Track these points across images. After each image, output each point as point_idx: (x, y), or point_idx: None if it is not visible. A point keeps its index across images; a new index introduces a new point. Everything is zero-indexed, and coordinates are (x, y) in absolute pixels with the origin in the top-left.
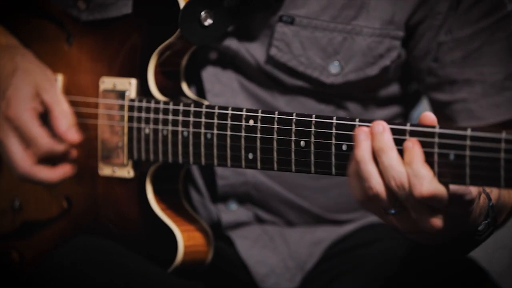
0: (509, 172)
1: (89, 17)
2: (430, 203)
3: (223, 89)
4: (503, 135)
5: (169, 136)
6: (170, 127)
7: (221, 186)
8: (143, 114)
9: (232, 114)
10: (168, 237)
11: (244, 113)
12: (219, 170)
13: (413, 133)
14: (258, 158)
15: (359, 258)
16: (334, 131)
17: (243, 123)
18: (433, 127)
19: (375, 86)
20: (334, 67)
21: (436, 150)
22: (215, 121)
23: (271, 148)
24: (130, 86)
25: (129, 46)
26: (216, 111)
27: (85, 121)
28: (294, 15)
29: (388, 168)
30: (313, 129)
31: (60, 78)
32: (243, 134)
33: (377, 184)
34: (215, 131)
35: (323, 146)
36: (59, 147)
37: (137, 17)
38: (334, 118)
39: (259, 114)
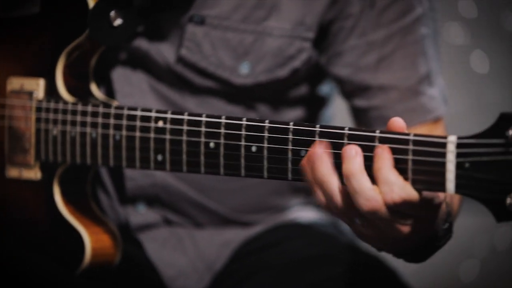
0: (416, 174)
1: None
2: (401, 209)
3: (133, 90)
4: (411, 136)
5: (78, 137)
6: (78, 129)
7: (129, 188)
8: (51, 115)
9: (141, 115)
10: (75, 239)
11: (153, 114)
12: (128, 172)
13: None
14: (168, 160)
15: (267, 259)
16: (244, 132)
17: (152, 125)
18: (342, 128)
19: (285, 87)
20: (244, 68)
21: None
22: (124, 122)
23: (181, 149)
24: (38, 86)
25: (37, 46)
26: (125, 112)
27: None
28: (204, 15)
29: (358, 192)
30: (223, 130)
31: None
32: (152, 135)
33: (342, 204)
34: (124, 133)
35: (233, 147)
36: None
37: (45, 16)
38: (244, 119)
39: (169, 115)
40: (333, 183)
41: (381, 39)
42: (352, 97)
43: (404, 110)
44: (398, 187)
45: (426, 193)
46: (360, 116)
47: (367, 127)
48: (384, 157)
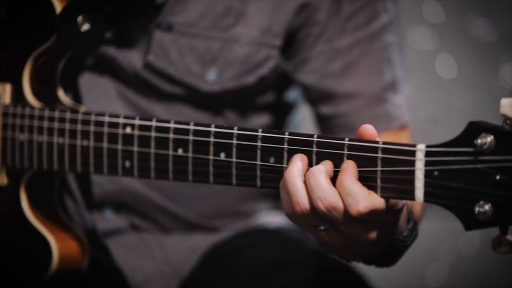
0: (385, 182)
1: None
2: (364, 218)
3: (100, 95)
4: (380, 144)
5: (44, 143)
6: (45, 135)
7: (96, 194)
8: (18, 121)
9: (109, 121)
10: (42, 245)
11: (121, 120)
12: (95, 178)
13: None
14: (135, 166)
15: (234, 264)
16: (212, 139)
17: (120, 131)
18: (311, 136)
19: (252, 94)
20: (211, 75)
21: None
22: (92, 128)
23: (149, 156)
24: (4, 91)
25: (4, 50)
26: (93, 118)
27: None
28: (172, 22)
29: (314, 189)
30: (191, 137)
31: None
32: (120, 142)
33: (303, 199)
34: (92, 139)
35: (201, 154)
36: None
37: (12, 21)
38: (213, 126)
39: (137, 122)
40: (297, 184)
41: (346, 46)
42: (317, 104)
43: (369, 118)
44: (362, 198)
45: (390, 200)
46: (325, 123)
47: (332, 135)
48: (348, 170)
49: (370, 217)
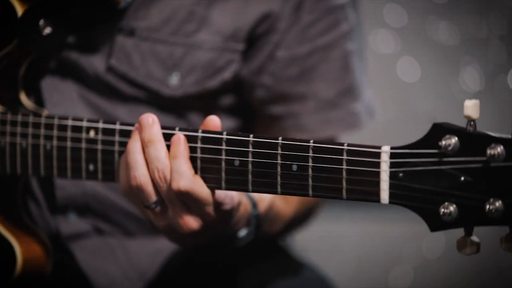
0: (351, 184)
1: None
2: (186, 200)
3: (62, 98)
4: (345, 146)
5: (7, 147)
6: (8, 139)
7: (59, 197)
8: None
9: (72, 125)
10: (6, 249)
11: (84, 123)
12: (58, 181)
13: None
14: (100, 169)
15: (198, 266)
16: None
17: (84, 135)
18: (276, 138)
19: (215, 97)
20: (173, 80)
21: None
22: (55, 132)
23: (112, 159)
24: None
25: None
26: (56, 122)
27: None
28: (134, 27)
29: (154, 160)
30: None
31: None
32: (83, 146)
33: (141, 174)
34: (55, 143)
35: None
36: None
37: None
38: (177, 128)
39: (100, 125)
40: (137, 159)
41: (305, 53)
42: (268, 104)
43: (320, 120)
44: (186, 177)
45: (217, 194)
46: (274, 123)
47: (279, 133)
48: (180, 147)
49: (189, 200)
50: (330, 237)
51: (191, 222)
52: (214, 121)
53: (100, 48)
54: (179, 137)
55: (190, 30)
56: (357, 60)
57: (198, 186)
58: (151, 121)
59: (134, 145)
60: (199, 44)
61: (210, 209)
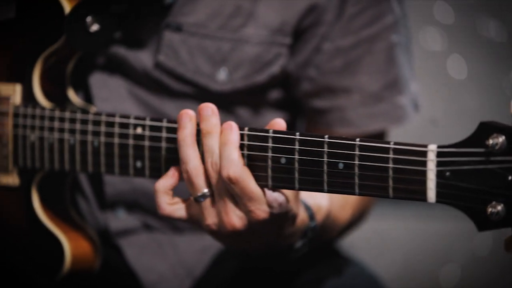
0: (398, 182)
1: None
2: (234, 190)
3: (111, 94)
4: (391, 144)
5: (55, 143)
6: (56, 135)
7: (108, 193)
8: (29, 121)
9: (119, 122)
10: (54, 245)
11: (132, 120)
12: (107, 177)
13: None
14: (147, 166)
15: (246, 264)
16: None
17: (131, 131)
18: (322, 136)
19: (263, 92)
20: (222, 75)
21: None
22: (103, 129)
23: (160, 156)
24: (14, 92)
25: (13, 51)
26: (103, 118)
27: None
28: (181, 23)
29: (210, 151)
30: (200, 137)
31: None
32: (131, 142)
33: (192, 168)
34: (102, 139)
35: None
36: None
37: (21, 22)
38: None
39: (147, 122)
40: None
41: (349, 45)
42: (313, 97)
43: (365, 114)
44: (236, 165)
45: (266, 194)
46: (318, 117)
47: (324, 128)
48: (232, 134)
49: (238, 192)
50: (378, 235)
51: (235, 219)
52: (280, 124)
53: (147, 44)
54: (231, 125)
55: (237, 25)
56: (402, 53)
57: (246, 176)
58: (211, 112)
59: (187, 137)
60: (246, 39)
61: (256, 207)
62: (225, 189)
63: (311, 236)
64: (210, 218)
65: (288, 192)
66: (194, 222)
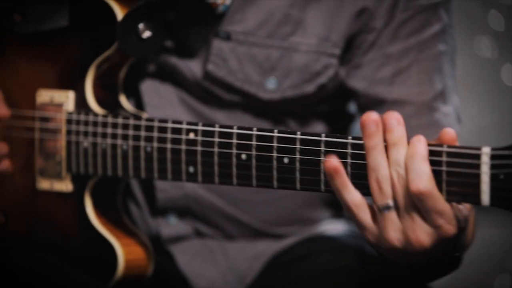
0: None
1: (25, 29)
2: (422, 205)
3: (162, 101)
4: (444, 147)
5: (108, 149)
6: (109, 141)
7: (160, 200)
8: (81, 128)
9: (172, 127)
10: (108, 251)
11: (184, 126)
12: (159, 183)
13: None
14: (199, 171)
15: (298, 271)
16: (275, 144)
17: (183, 136)
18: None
19: (312, 102)
20: (271, 84)
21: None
22: (155, 134)
23: (212, 161)
24: (67, 99)
25: (67, 58)
26: (156, 124)
27: (22, 134)
28: (231, 31)
29: (395, 163)
30: (254, 142)
31: None
32: (183, 147)
33: (383, 176)
34: (155, 145)
35: (264, 159)
36: None
37: (74, 29)
38: (275, 131)
39: (200, 127)
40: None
41: (397, 53)
42: (364, 109)
43: (418, 126)
44: (427, 179)
45: (454, 205)
46: None
47: None
48: (420, 146)
49: (427, 206)
50: None
51: (424, 237)
52: (449, 134)
53: (197, 53)
54: (420, 138)
55: (286, 33)
56: (448, 62)
57: (436, 190)
58: (396, 122)
59: (376, 146)
60: (295, 47)
61: (445, 222)
62: (412, 204)
63: (462, 244)
64: (394, 233)
65: (465, 205)
66: (371, 231)
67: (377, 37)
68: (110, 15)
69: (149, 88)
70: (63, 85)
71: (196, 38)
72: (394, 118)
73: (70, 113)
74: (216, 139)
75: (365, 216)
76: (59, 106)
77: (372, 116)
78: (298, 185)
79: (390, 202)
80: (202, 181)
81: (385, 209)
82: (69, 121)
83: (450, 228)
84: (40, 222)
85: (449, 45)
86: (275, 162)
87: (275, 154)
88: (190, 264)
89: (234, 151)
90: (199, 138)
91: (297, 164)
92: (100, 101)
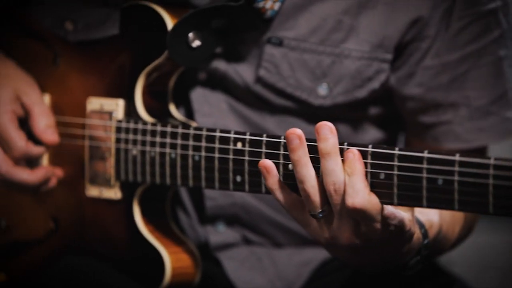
0: (498, 198)
1: (77, 38)
2: (356, 216)
3: (212, 109)
4: (492, 160)
5: (157, 157)
6: (157, 149)
7: (209, 207)
8: (131, 136)
9: (220, 136)
10: (155, 259)
11: (232, 135)
12: (207, 191)
13: (401, 158)
14: (246, 180)
15: (346, 278)
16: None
17: (231, 146)
18: (421, 152)
19: (364, 108)
20: (322, 89)
21: (424, 175)
22: (203, 143)
23: (259, 171)
24: (117, 107)
25: (117, 66)
26: (204, 133)
27: (72, 141)
28: (282, 37)
29: (331, 173)
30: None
31: (47, 98)
32: (231, 156)
33: (311, 187)
34: (203, 153)
35: None
36: (35, 150)
37: (124, 38)
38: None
39: (247, 137)
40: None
41: (455, 61)
42: (418, 113)
43: (473, 129)
44: (362, 196)
45: (387, 211)
46: (423, 132)
47: (431, 142)
48: (356, 163)
49: (360, 216)
50: (478, 251)
51: (355, 237)
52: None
53: (248, 59)
54: (354, 153)
55: (338, 39)
56: (510, 66)
57: (372, 205)
58: (329, 132)
59: (300, 159)
60: (347, 54)
61: (377, 226)
62: (346, 213)
63: (425, 254)
64: (328, 233)
65: (404, 210)
66: (307, 230)
67: (431, 45)
68: (161, 24)
69: (199, 96)
70: (113, 93)
71: (247, 45)
72: (327, 128)
73: (119, 121)
74: (263, 150)
75: (300, 216)
76: (109, 114)
77: (295, 131)
78: None
79: (324, 209)
80: (249, 191)
81: (319, 214)
82: (118, 129)
83: (379, 232)
84: (89, 229)
85: (510, 49)
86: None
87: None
88: (238, 271)
89: (281, 161)
90: (247, 148)
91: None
92: (149, 109)
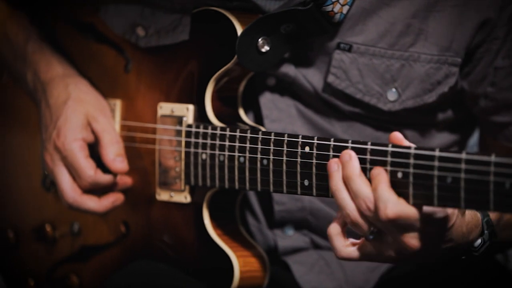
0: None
1: (148, 43)
2: (398, 224)
3: (281, 115)
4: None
5: (226, 161)
6: (226, 153)
7: (278, 212)
8: (200, 140)
9: (288, 140)
10: (224, 262)
11: (300, 139)
12: (276, 196)
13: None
14: (314, 184)
15: (414, 283)
16: (389, 158)
17: (299, 150)
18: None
19: (432, 112)
20: (391, 94)
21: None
22: (271, 147)
23: (327, 174)
24: (187, 112)
25: (187, 72)
26: (272, 137)
27: (142, 146)
28: (351, 43)
29: (357, 193)
30: (368, 156)
31: (118, 103)
32: (299, 160)
33: (352, 210)
34: (271, 157)
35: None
36: (104, 179)
37: (194, 43)
38: (390, 145)
39: (315, 141)
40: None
41: None
42: (492, 114)
43: None
44: (392, 204)
45: (425, 209)
46: (496, 131)
47: (503, 141)
48: (378, 177)
49: (401, 223)
50: None
51: (413, 241)
52: (396, 137)
53: (317, 65)
54: (377, 170)
55: (407, 44)
56: None
57: (403, 208)
58: (348, 158)
59: (336, 184)
60: (416, 57)
61: (423, 224)
62: (388, 225)
63: (489, 231)
64: (389, 249)
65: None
66: (373, 259)
67: (501, 46)
68: (231, 29)
69: (268, 101)
70: (183, 98)
71: (315, 50)
72: (347, 154)
73: (189, 126)
74: (331, 153)
75: (359, 252)
76: (179, 118)
77: (331, 161)
78: (411, 200)
79: (370, 229)
80: (316, 194)
81: (370, 235)
82: (188, 134)
83: (429, 227)
84: (158, 233)
85: None
86: (389, 176)
87: (389, 168)
88: (306, 275)
89: None
90: (314, 151)
91: (411, 179)
92: (218, 114)
